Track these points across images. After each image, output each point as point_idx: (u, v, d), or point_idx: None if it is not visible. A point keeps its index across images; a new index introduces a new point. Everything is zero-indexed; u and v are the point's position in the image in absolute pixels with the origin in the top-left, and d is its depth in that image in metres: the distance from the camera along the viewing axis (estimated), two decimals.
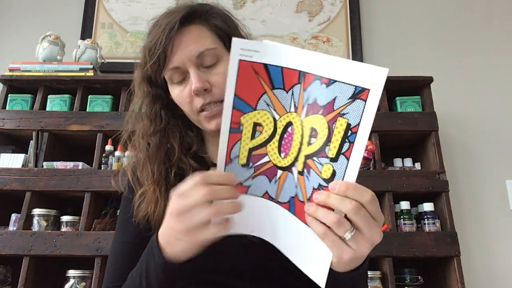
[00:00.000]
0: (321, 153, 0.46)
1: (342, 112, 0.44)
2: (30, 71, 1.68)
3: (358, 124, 0.43)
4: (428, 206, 1.48)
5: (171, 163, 0.71)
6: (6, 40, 2.02)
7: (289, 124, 0.49)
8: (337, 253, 0.46)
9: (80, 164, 1.53)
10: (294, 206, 0.50)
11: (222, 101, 0.60)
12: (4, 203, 1.56)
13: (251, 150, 0.52)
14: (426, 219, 1.46)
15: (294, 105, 0.49)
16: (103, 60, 1.82)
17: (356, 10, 2.03)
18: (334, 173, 0.45)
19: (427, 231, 1.45)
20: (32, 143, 1.56)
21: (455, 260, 1.39)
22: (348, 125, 0.44)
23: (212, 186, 0.49)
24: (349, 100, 0.43)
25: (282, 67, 0.48)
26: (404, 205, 1.49)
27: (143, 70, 0.72)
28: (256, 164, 0.52)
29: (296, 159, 0.49)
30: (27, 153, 1.56)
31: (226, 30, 0.71)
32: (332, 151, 0.45)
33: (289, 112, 0.49)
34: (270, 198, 0.52)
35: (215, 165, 0.67)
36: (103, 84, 1.67)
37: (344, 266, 0.49)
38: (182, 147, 0.73)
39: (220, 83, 0.66)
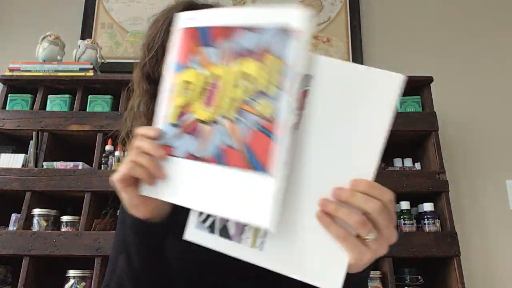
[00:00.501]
0: (258, 93, 0.46)
1: (274, 52, 0.45)
2: (30, 71, 1.68)
3: (293, 61, 0.44)
4: (428, 206, 1.48)
5: None
6: (6, 40, 2.02)
7: (218, 77, 0.49)
8: (356, 255, 0.44)
9: (80, 164, 1.53)
10: (225, 157, 0.47)
11: None
12: (4, 203, 1.56)
13: (179, 108, 0.52)
14: (426, 219, 1.46)
15: (224, 58, 0.50)
16: (103, 60, 1.82)
17: (356, 10, 2.03)
18: (277, 112, 0.44)
19: (427, 231, 1.45)
20: (32, 143, 1.56)
21: (455, 260, 1.39)
22: (283, 62, 0.45)
23: (139, 138, 0.51)
24: (279, 40, 0.45)
25: (210, 27, 0.51)
26: (404, 205, 1.49)
27: (142, 67, 0.72)
28: (183, 123, 0.51)
29: (227, 109, 0.48)
30: (27, 153, 1.56)
31: None
32: (270, 89, 0.45)
33: (219, 66, 0.50)
34: (195, 158, 0.50)
35: None
36: (103, 84, 1.67)
37: (358, 268, 0.46)
38: None
39: None
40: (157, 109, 0.53)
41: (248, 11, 0.49)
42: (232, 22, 0.49)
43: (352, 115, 0.46)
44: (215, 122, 0.48)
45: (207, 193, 0.48)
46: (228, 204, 0.46)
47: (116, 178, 0.52)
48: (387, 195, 0.44)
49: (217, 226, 0.50)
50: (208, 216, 0.50)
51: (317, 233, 0.46)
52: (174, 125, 0.51)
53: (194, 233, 0.51)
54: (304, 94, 0.47)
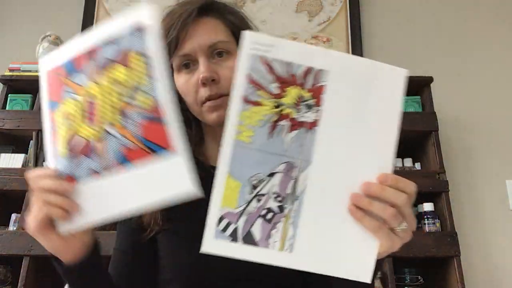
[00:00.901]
0: (133, 91, 0.48)
1: (135, 50, 0.48)
2: (30, 71, 1.68)
3: (153, 51, 0.47)
4: (428, 206, 1.48)
5: None
6: (6, 40, 2.02)
7: (94, 95, 0.51)
8: (388, 244, 0.47)
9: None
10: (127, 156, 0.48)
11: (227, 95, 0.61)
12: (4, 203, 1.56)
13: (65, 138, 0.52)
14: (426, 219, 1.46)
15: (93, 76, 0.51)
16: None
17: (356, 10, 2.03)
18: (156, 98, 0.47)
19: (427, 231, 1.45)
20: (32, 143, 1.56)
21: (455, 260, 1.39)
22: (145, 55, 0.47)
23: (38, 179, 0.51)
24: (136, 39, 0.48)
25: (72, 58, 0.53)
26: None
27: None
28: (74, 149, 0.52)
29: (111, 116, 0.49)
30: (27, 153, 1.56)
31: (241, 28, 0.71)
32: (142, 83, 0.47)
33: (91, 85, 0.51)
34: (99, 173, 0.50)
35: (212, 167, 0.67)
36: None
37: (385, 254, 0.50)
38: None
39: (228, 77, 0.65)
40: (45, 151, 0.54)
41: (101, 28, 0.51)
42: (89, 45, 0.51)
43: (367, 109, 0.48)
44: (106, 132, 0.50)
45: (125, 196, 0.49)
46: (150, 194, 0.48)
47: (33, 226, 0.51)
48: (412, 187, 0.47)
49: (240, 233, 0.47)
50: (229, 223, 0.47)
51: (346, 228, 0.47)
52: (67, 156, 0.52)
53: (213, 244, 0.47)
54: (320, 90, 0.47)
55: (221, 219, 0.47)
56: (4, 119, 1.58)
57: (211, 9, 0.69)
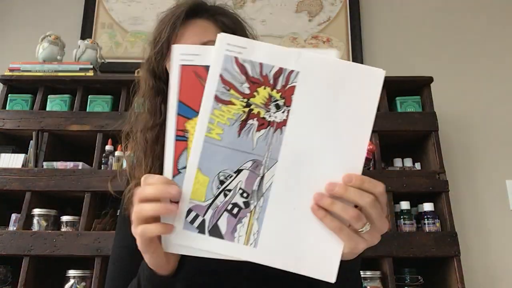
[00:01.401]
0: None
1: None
2: (30, 71, 1.68)
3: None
4: (428, 206, 1.48)
5: None
6: (6, 40, 2.02)
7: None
8: (351, 246, 0.46)
9: (80, 164, 1.53)
10: None
11: None
12: (4, 203, 1.56)
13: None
14: (426, 219, 1.46)
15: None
16: (103, 60, 1.82)
17: (356, 10, 2.03)
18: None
19: (427, 231, 1.45)
20: (32, 143, 1.56)
21: (455, 260, 1.39)
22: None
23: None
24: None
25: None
26: (404, 205, 1.49)
27: (148, 63, 0.73)
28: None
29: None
30: (27, 153, 1.56)
31: (233, 29, 0.72)
32: None
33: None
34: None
35: None
36: (103, 84, 1.67)
37: (352, 256, 0.49)
38: None
39: None
40: (167, 157, 0.50)
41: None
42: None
43: (338, 110, 0.47)
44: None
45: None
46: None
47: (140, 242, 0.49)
48: (379, 188, 0.46)
49: (207, 225, 0.48)
50: (197, 216, 0.48)
51: (310, 227, 0.47)
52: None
53: (181, 235, 0.48)
54: (291, 91, 0.48)
55: (189, 211, 0.48)
56: (4, 119, 1.58)
57: (200, 11, 0.70)
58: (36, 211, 1.46)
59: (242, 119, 0.48)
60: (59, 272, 1.47)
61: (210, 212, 0.48)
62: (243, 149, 0.48)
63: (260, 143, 0.48)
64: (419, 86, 1.66)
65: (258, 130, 0.48)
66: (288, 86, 0.48)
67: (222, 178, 0.48)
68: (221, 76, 0.48)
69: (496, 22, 2.02)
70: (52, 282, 1.48)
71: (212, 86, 0.48)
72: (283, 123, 0.48)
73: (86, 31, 2.00)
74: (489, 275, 1.65)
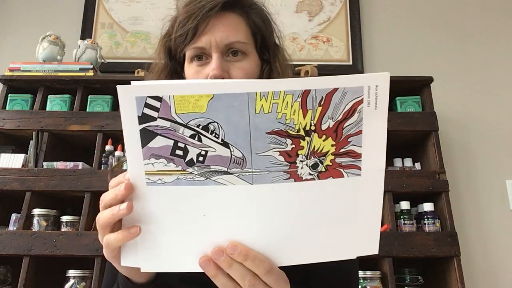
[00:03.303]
0: None
1: None
2: (30, 71, 1.68)
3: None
4: (428, 206, 1.48)
5: None
6: (6, 40, 2.02)
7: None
8: None
9: (80, 164, 1.53)
10: None
11: None
12: (4, 203, 1.56)
13: None
14: (426, 219, 1.46)
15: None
16: (103, 60, 1.82)
17: (356, 10, 2.03)
18: None
19: (427, 231, 1.45)
20: (32, 143, 1.56)
21: (455, 260, 1.39)
22: None
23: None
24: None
25: None
26: (404, 205, 1.49)
27: (165, 40, 0.70)
28: None
29: None
30: (27, 153, 1.56)
31: (263, 31, 0.70)
32: None
33: None
34: None
35: None
36: (103, 84, 1.67)
37: None
38: None
39: (239, 78, 0.64)
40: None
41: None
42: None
43: None
44: None
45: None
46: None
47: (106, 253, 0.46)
48: (262, 268, 0.43)
49: None
50: None
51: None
52: None
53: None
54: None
55: None
56: (4, 119, 1.58)
57: (237, 5, 0.67)
58: (36, 211, 1.46)
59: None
60: (59, 272, 1.47)
61: None
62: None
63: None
64: (419, 86, 1.66)
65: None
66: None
67: None
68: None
69: (496, 22, 2.02)
70: (52, 282, 1.47)
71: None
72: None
73: (86, 31, 2.00)
74: (489, 275, 1.65)
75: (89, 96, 1.65)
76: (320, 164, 0.41)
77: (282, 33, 0.75)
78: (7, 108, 1.63)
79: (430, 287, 1.50)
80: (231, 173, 0.40)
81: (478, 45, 1.98)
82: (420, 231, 1.46)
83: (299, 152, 0.40)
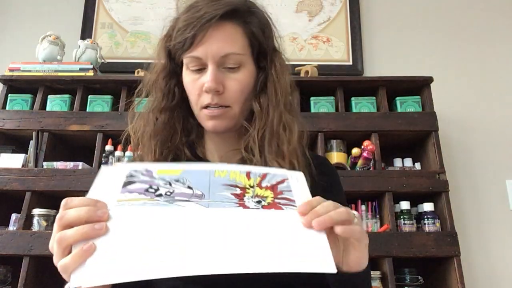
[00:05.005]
0: None
1: None
2: (30, 71, 1.68)
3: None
4: (428, 206, 1.48)
5: (170, 147, 0.71)
6: (6, 40, 2.02)
7: None
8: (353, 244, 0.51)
9: (80, 164, 1.53)
10: None
11: (228, 106, 0.65)
12: (4, 203, 1.56)
13: None
14: (426, 219, 1.46)
15: None
16: (103, 60, 1.82)
17: (356, 10, 2.03)
18: None
19: (427, 231, 1.45)
20: (32, 143, 1.56)
21: (455, 260, 1.39)
22: None
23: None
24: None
25: None
26: (404, 205, 1.49)
27: (165, 41, 0.71)
28: None
29: None
30: (27, 153, 1.56)
31: (260, 39, 0.70)
32: None
33: None
34: None
35: (208, 161, 0.72)
36: (103, 84, 1.67)
37: (358, 266, 0.52)
38: (183, 133, 0.72)
39: (234, 90, 0.65)
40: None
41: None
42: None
43: None
44: None
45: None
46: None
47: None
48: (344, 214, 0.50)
49: None
50: None
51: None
52: None
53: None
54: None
55: None
56: (4, 119, 1.58)
57: (235, 14, 0.67)
58: (36, 211, 1.46)
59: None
60: (59, 272, 1.46)
61: None
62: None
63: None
64: (419, 86, 1.66)
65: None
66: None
67: None
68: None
69: (497, 22, 2.02)
70: (52, 282, 1.47)
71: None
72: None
73: (86, 31, 2.00)
74: (489, 275, 1.65)
75: (89, 96, 1.65)
76: (263, 201, 0.53)
77: (281, 36, 0.76)
78: (7, 108, 1.63)
79: (430, 287, 1.50)
80: (191, 201, 0.51)
81: (478, 45, 1.98)
82: (420, 231, 1.46)
83: (246, 194, 0.54)
